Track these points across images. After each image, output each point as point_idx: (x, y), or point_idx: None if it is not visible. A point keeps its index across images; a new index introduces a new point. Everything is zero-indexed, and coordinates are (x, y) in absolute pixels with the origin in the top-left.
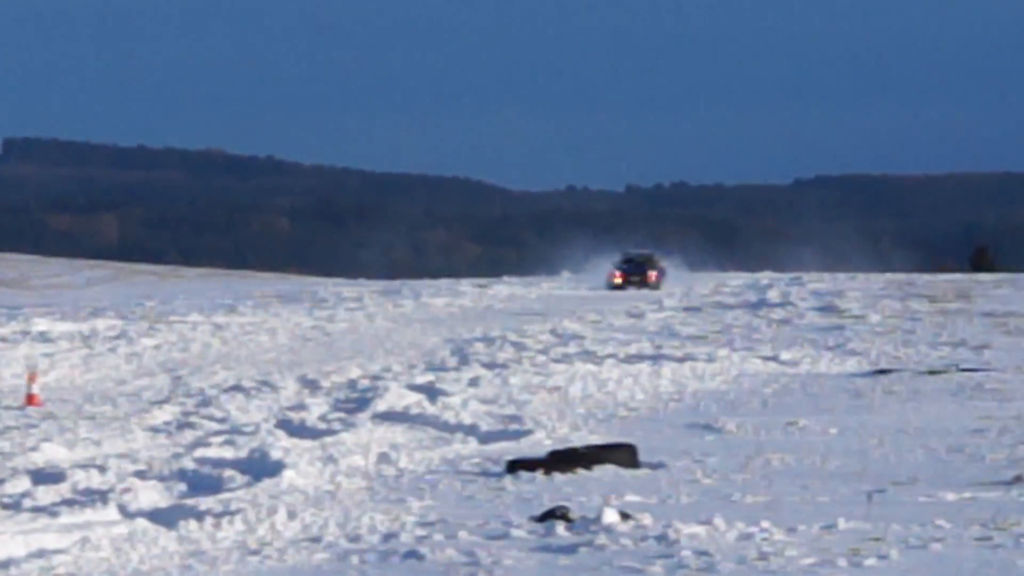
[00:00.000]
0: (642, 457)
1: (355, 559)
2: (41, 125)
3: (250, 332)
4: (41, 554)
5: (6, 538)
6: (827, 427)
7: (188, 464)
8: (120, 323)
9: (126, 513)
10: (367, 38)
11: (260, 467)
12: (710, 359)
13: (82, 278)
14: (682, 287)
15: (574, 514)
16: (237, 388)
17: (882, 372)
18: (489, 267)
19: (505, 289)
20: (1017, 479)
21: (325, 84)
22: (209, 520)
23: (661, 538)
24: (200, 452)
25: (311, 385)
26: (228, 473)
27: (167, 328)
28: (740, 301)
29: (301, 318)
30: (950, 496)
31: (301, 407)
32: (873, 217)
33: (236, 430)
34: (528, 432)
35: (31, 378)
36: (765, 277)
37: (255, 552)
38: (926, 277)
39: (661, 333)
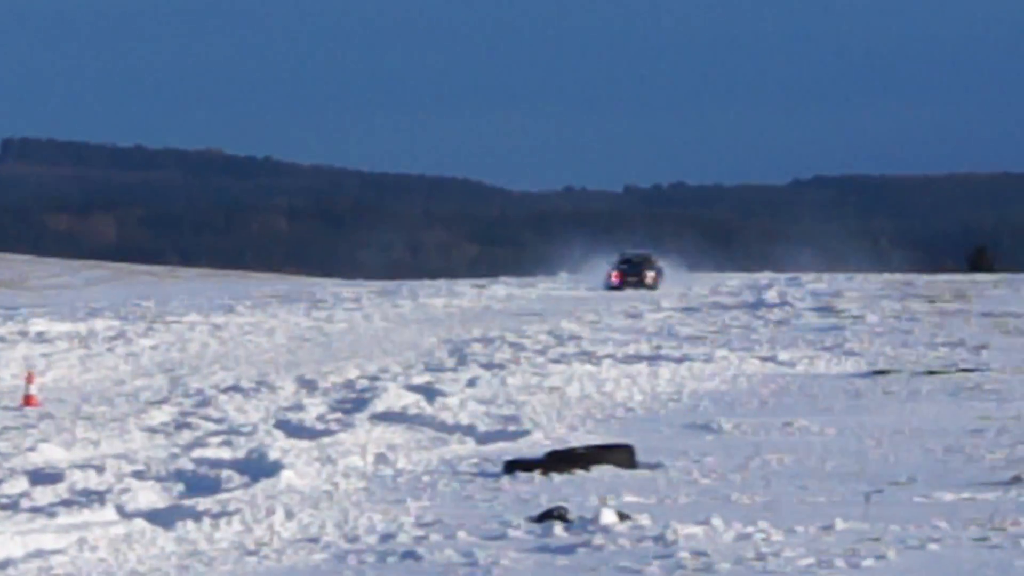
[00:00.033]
0: (640, 457)
1: (353, 559)
2: (39, 125)
3: (248, 332)
4: (39, 554)
5: (4, 538)
6: (825, 427)
7: (186, 464)
8: (118, 323)
9: (124, 513)
10: (365, 38)
11: (258, 467)
12: (708, 359)
13: (80, 278)
14: (680, 287)
15: (572, 514)
16: (235, 388)
17: (880, 372)
18: (487, 267)
19: (503, 289)
20: (1015, 479)
21: (323, 84)
22: (207, 520)
23: (659, 538)
24: (198, 452)
25: (309, 385)
26: (226, 473)
27: (165, 328)
28: (738, 301)
29: (299, 318)
30: (948, 496)
31: (299, 407)
32: (871, 217)
33: (234, 430)
34: (526, 432)
35: (29, 378)
36: (763, 277)
37: (253, 552)
38: (924, 277)
39: (659, 333)
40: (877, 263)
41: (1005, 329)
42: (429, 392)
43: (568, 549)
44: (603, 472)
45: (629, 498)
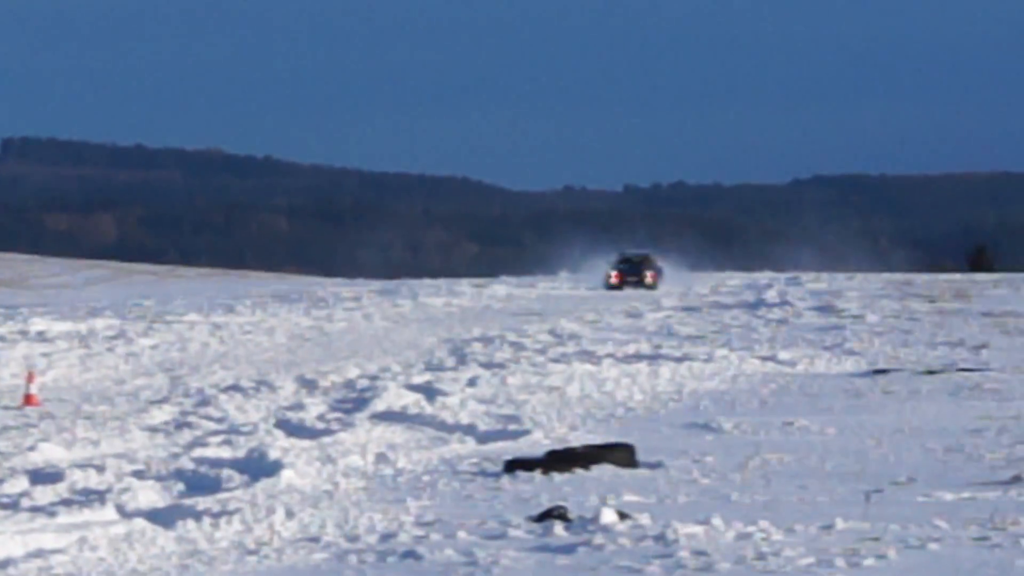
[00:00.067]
0: (640, 457)
1: (353, 559)
2: (39, 124)
3: (248, 332)
4: (39, 554)
5: (4, 538)
6: (825, 427)
7: (186, 464)
8: (118, 323)
9: (124, 513)
10: (365, 38)
11: (258, 467)
12: (708, 359)
13: (80, 278)
14: (680, 287)
15: (572, 514)
16: (235, 388)
17: (880, 372)
18: (487, 267)
19: (503, 289)
20: (1015, 479)
21: (323, 84)
22: (207, 520)
23: (659, 538)
24: (198, 452)
25: (309, 385)
26: (226, 473)
27: (165, 328)
28: (738, 301)
29: (299, 318)
30: (948, 496)
31: (299, 407)
32: (871, 217)
33: (234, 430)
34: (526, 432)
35: (29, 378)
36: (763, 277)
37: (253, 552)
38: (924, 277)
39: (659, 333)
40: (877, 263)
41: (1005, 329)
42: (429, 392)
43: (568, 549)
44: (603, 471)
45: (629, 497)
